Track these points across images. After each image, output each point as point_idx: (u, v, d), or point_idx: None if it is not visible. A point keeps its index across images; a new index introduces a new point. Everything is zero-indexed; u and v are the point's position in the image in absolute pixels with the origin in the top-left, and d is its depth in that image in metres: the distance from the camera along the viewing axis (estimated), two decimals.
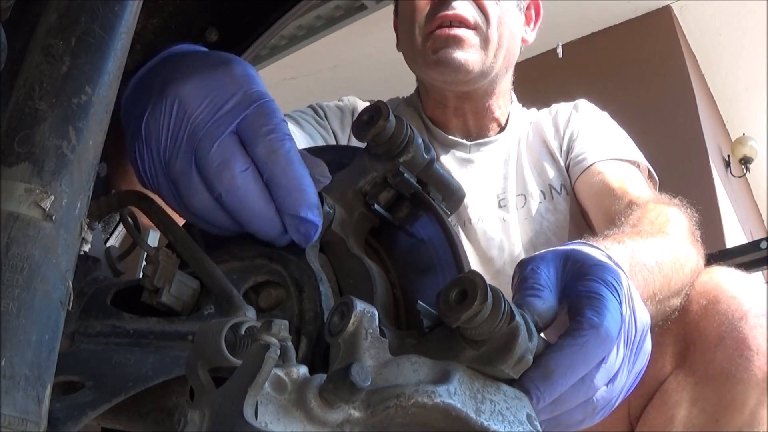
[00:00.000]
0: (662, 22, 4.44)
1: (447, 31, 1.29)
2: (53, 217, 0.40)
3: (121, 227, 0.97)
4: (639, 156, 1.38)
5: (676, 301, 0.94)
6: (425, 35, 1.33)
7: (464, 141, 1.43)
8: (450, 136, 1.43)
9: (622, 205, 1.19)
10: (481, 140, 1.44)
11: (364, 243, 0.61)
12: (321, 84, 4.99)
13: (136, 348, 0.56)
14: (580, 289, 0.58)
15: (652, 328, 0.79)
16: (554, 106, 1.51)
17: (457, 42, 1.29)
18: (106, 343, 0.58)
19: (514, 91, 1.55)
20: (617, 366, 0.57)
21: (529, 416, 0.49)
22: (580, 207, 1.35)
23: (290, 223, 0.55)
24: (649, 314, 0.65)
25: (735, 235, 4.17)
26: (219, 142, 0.54)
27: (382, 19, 4.27)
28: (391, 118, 0.58)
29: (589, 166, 1.32)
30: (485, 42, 1.31)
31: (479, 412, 0.45)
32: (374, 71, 4.75)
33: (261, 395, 0.39)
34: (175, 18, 0.91)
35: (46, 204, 0.40)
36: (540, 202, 1.34)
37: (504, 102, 1.46)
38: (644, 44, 4.38)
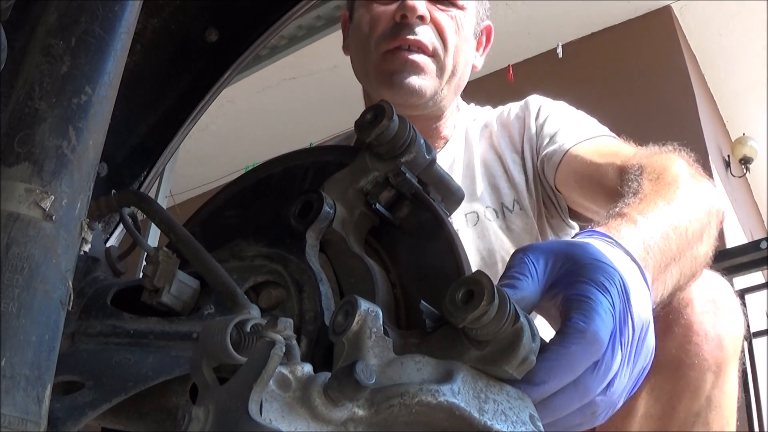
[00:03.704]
0: (662, 22, 4.45)
1: (406, 55, 1.27)
2: (53, 217, 0.40)
3: (121, 227, 0.97)
4: (607, 131, 1.34)
5: (701, 249, 0.90)
6: (382, 53, 1.29)
7: None
8: None
9: (614, 173, 1.15)
10: None
11: (364, 242, 0.61)
12: (321, 84, 4.99)
13: (136, 348, 0.56)
14: (570, 293, 0.58)
15: (676, 288, 0.78)
16: (505, 108, 1.47)
17: (415, 68, 1.27)
18: (106, 343, 0.58)
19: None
20: (614, 368, 0.57)
21: (531, 416, 0.49)
22: (540, 221, 1.32)
23: None
24: (651, 307, 0.64)
25: (735, 235, 4.17)
26: None
27: None
28: (395, 118, 0.58)
29: (564, 155, 1.28)
30: (441, 70, 1.30)
31: (482, 412, 0.45)
32: None
33: (265, 392, 0.39)
34: (175, 18, 0.91)
35: (46, 204, 0.40)
36: (492, 221, 1.31)
37: (451, 121, 1.44)
38: (644, 44, 4.38)
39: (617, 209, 0.87)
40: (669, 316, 0.95)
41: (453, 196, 0.63)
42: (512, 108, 1.45)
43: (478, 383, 0.47)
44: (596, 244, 0.66)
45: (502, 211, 1.32)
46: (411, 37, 1.26)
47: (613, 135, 1.33)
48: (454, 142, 1.42)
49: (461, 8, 1.34)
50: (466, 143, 1.42)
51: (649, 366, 0.62)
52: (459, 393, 0.45)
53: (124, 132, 0.93)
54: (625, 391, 0.59)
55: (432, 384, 0.44)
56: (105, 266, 0.66)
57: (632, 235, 0.76)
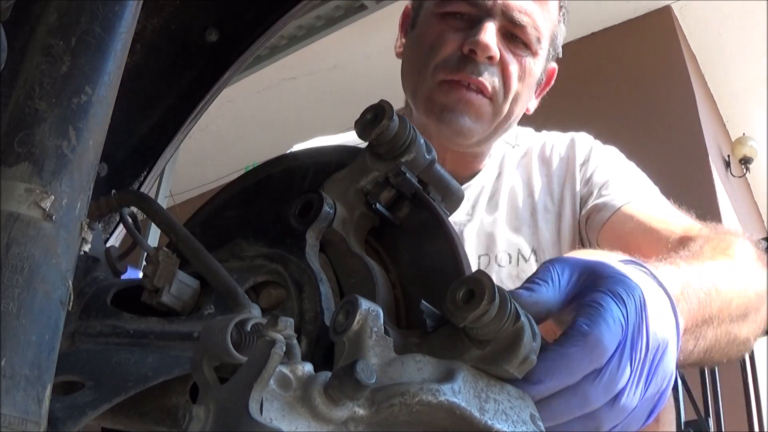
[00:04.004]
0: (662, 22, 4.45)
1: (464, 92, 1.17)
2: (53, 217, 0.40)
3: (121, 227, 0.97)
4: (657, 190, 1.27)
5: (743, 329, 0.84)
6: (438, 81, 1.19)
7: None
8: None
9: (674, 243, 1.07)
10: None
11: (364, 242, 0.61)
12: (321, 84, 4.99)
13: (136, 348, 0.56)
14: (583, 299, 0.56)
15: (708, 355, 0.74)
16: (548, 141, 1.37)
17: (469, 109, 1.17)
18: (106, 343, 0.58)
19: None
20: (621, 382, 0.54)
21: (532, 416, 0.49)
22: None
23: None
24: (678, 331, 0.61)
25: None
26: None
27: (382, 19, 4.28)
28: (395, 117, 0.58)
29: (614, 212, 1.19)
30: (495, 114, 1.21)
31: (483, 411, 0.45)
32: (374, 71, 4.75)
33: (266, 392, 0.39)
34: (175, 18, 0.91)
35: (46, 204, 0.40)
36: (504, 266, 1.23)
37: (488, 153, 1.34)
38: (644, 44, 4.38)
39: (667, 258, 0.82)
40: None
41: (453, 196, 0.63)
42: (556, 144, 1.36)
43: (478, 383, 0.47)
44: (627, 267, 0.63)
45: (517, 258, 1.25)
46: (474, 77, 1.16)
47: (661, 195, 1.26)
48: (487, 171, 1.34)
49: (534, 54, 1.23)
50: (499, 173, 1.34)
51: (668, 392, 0.59)
52: (460, 392, 0.45)
53: (124, 132, 0.93)
54: (638, 413, 0.56)
55: (433, 383, 0.44)
56: (105, 266, 0.66)
57: (671, 273, 0.72)
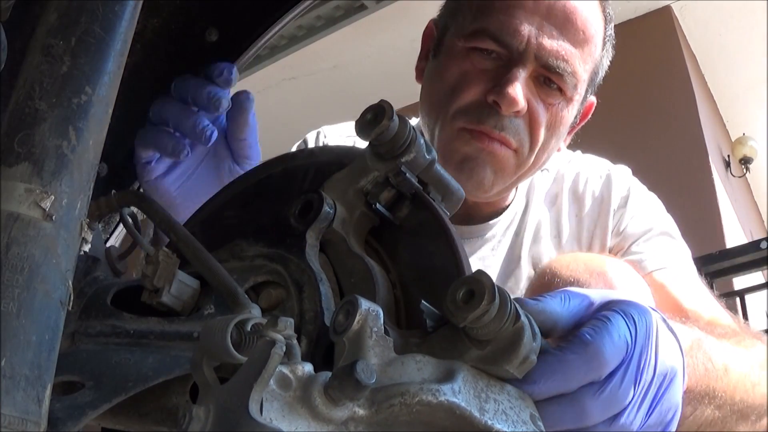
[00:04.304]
0: (662, 22, 4.45)
1: (486, 143, 1.05)
2: (53, 217, 0.40)
3: (121, 227, 0.97)
4: (690, 258, 1.18)
5: (739, 428, 0.78)
6: (459, 127, 1.07)
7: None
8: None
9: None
10: (467, 225, 1.20)
11: (364, 242, 0.61)
12: (321, 84, 4.99)
13: (136, 348, 0.56)
14: (593, 316, 0.56)
15: None
16: (581, 173, 1.24)
17: (491, 161, 1.06)
18: (106, 343, 0.58)
19: None
20: (622, 402, 0.53)
21: (532, 416, 0.49)
22: None
23: None
24: (681, 364, 0.58)
25: (735, 235, 4.18)
26: None
27: (382, 19, 4.28)
28: (395, 118, 0.58)
29: (644, 276, 1.09)
30: (519, 166, 1.10)
31: (483, 411, 0.45)
32: (374, 71, 4.75)
33: (266, 392, 0.39)
34: (175, 18, 0.91)
35: (46, 204, 0.40)
36: None
37: (514, 188, 1.22)
38: (644, 44, 4.38)
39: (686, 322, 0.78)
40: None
41: (453, 196, 0.63)
42: (590, 178, 1.25)
43: (478, 383, 0.47)
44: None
45: None
46: (497, 132, 1.04)
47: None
48: (514, 206, 1.24)
49: (569, 100, 1.09)
50: (526, 206, 1.24)
51: (672, 426, 0.57)
52: (460, 392, 0.45)
53: (124, 132, 0.93)
54: None
55: (433, 383, 0.44)
56: (105, 266, 0.66)
57: (685, 330, 0.69)
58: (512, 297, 0.48)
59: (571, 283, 0.94)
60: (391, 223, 0.61)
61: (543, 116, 1.07)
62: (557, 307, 0.56)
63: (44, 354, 0.38)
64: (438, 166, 0.62)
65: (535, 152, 1.09)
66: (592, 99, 1.20)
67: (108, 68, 0.45)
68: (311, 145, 1.37)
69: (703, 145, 4.04)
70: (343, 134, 1.37)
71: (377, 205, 0.60)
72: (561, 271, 0.96)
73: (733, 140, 5.00)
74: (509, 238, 1.22)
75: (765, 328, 2.96)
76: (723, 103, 5.03)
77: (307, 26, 4.48)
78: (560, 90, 1.07)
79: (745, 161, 4.82)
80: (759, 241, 2.64)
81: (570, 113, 1.11)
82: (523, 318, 0.48)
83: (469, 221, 1.23)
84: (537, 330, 0.50)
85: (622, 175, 1.25)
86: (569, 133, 1.20)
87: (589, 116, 1.22)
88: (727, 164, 4.72)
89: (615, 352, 0.53)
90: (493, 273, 1.20)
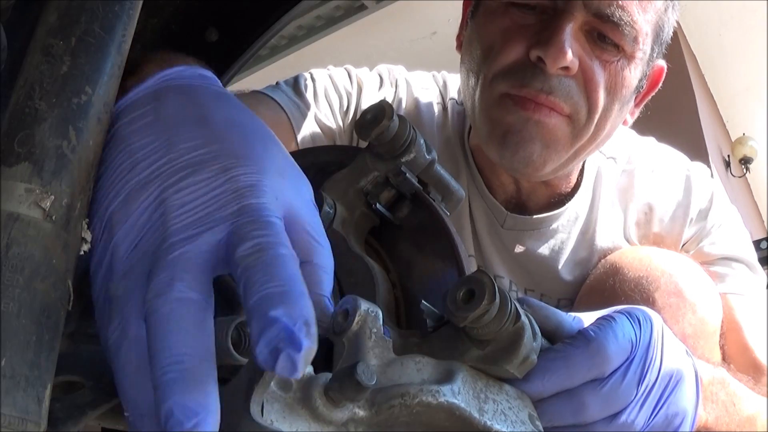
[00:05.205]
0: None
1: (531, 112, 0.88)
2: (53, 217, 0.40)
3: None
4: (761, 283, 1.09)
5: None
6: (501, 93, 0.90)
7: (501, 207, 1.03)
8: (487, 191, 1.04)
9: (746, 363, 0.97)
10: (522, 215, 1.04)
11: (364, 242, 0.61)
12: None
13: None
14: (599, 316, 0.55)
15: None
16: (656, 176, 1.08)
17: (540, 132, 0.89)
18: None
19: None
20: (623, 400, 0.53)
21: (531, 416, 0.49)
22: None
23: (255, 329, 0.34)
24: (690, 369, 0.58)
25: None
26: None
27: (382, 19, 4.28)
28: (395, 118, 0.58)
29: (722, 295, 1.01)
30: (576, 137, 0.92)
31: (482, 412, 0.45)
32: None
33: (267, 393, 0.39)
34: (175, 18, 0.91)
35: (46, 204, 0.40)
36: None
37: (578, 168, 1.04)
38: None
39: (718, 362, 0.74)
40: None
41: (453, 196, 0.63)
42: (666, 177, 1.09)
43: (477, 383, 0.47)
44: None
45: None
46: (543, 95, 0.87)
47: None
48: (580, 197, 1.06)
49: (630, 58, 0.91)
50: (593, 199, 1.06)
51: None
52: (459, 393, 0.45)
53: None
54: None
55: (432, 384, 0.44)
56: None
57: (705, 366, 0.66)
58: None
59: (633, 290, 0.91)
60: (391, 223, 0.61)
61: (600, 76, 0.89)
62: (563, 315, 0.56)
63: (44, 354, 0.38)
64: (438, 166, 0.62)
65: (595, 120, 0.91)
66: (662, 62, 1.02)
67: (108, 68, 0.45)
68: (386, 81, 1.16)
69: (703, 145, 4.04)
70: (419, 85, 1.16)
71: (377, 205, 0.60)
72: (625, 272, 0.94)
73: (733, 140, 4.99)
74: (574, 236, 1.05)
75: (765, 328, 2.97)
76: (723, 103, 5.03)
77: (307, 26, 4.48)
78: (617, 46, 0.90)
79: (745, 161, 4.81)
80: (759, 241, 2.63)
81: (633, 74, 0.92)
82: (523, 318, 0.48)
83: (524, 210, 1.05)
84: (537, 330, 0.50)
85: (703, 180, 1.10)
86: (637, 104, 1.02)
87: (660, 84, 1.04)
88: (727, 164, 4.71)
89: (618, 350, 0.53)
90: (556, 279, 1.05)
